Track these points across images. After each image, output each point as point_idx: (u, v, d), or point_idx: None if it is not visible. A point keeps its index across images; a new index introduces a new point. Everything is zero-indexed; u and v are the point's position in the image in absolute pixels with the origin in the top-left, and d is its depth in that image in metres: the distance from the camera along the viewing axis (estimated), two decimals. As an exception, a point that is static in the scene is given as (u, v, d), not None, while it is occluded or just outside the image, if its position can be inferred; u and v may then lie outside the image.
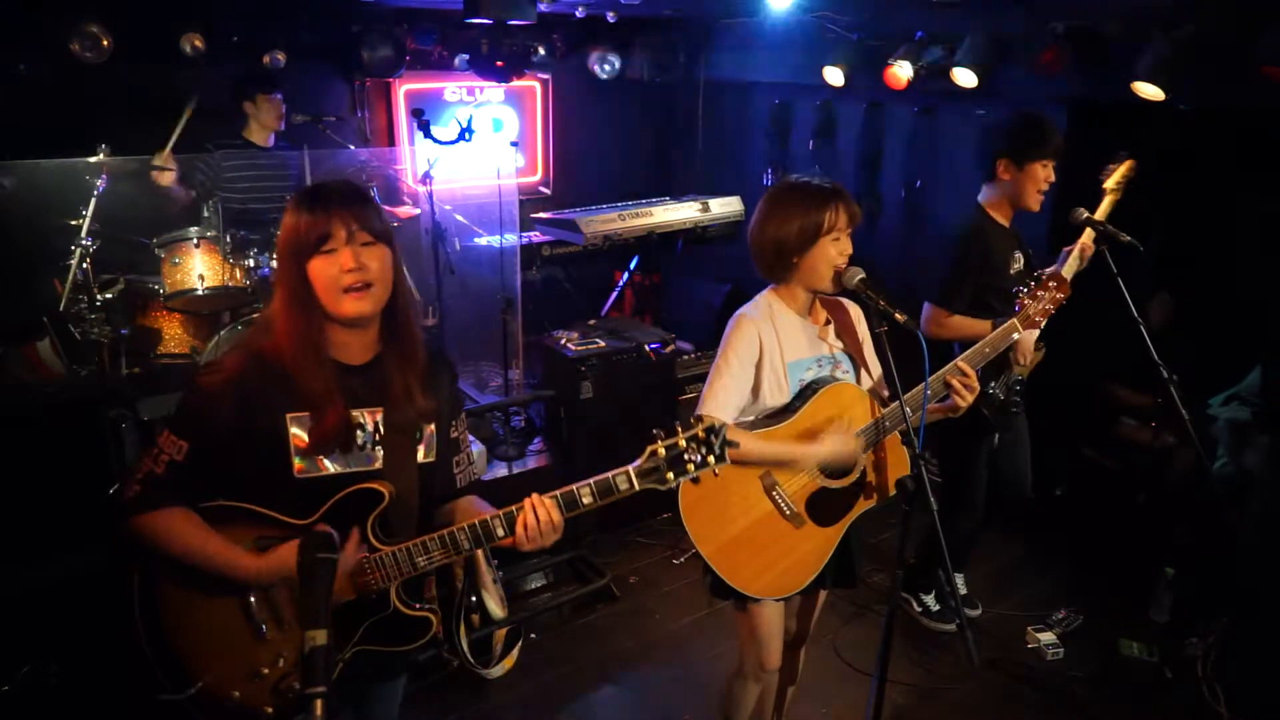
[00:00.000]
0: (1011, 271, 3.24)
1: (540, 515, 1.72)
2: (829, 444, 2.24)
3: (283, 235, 1.71)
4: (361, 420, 1.77)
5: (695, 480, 1.75)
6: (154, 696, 1.74)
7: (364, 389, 1.78)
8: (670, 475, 1.70)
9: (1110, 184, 3.18)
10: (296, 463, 1.72)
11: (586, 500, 1.75)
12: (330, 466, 1.75)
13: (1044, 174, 3.12)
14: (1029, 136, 3.10)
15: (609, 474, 1.74)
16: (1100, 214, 3.10)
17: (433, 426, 1.88)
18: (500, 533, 1.75)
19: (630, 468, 1.73)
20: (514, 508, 1.75)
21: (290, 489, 1.72)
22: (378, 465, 1.79)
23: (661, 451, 1.71)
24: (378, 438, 1.79)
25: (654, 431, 1.73)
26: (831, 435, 2.25)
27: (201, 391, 1.71)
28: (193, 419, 1.71)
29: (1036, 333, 3.02)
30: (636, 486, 1.72)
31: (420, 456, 1.85)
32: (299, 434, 1.72)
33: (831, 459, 2.27)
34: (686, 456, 1.70)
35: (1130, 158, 3.22)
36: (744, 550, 2.31)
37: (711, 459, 1.71)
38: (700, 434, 1.70)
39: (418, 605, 1.83)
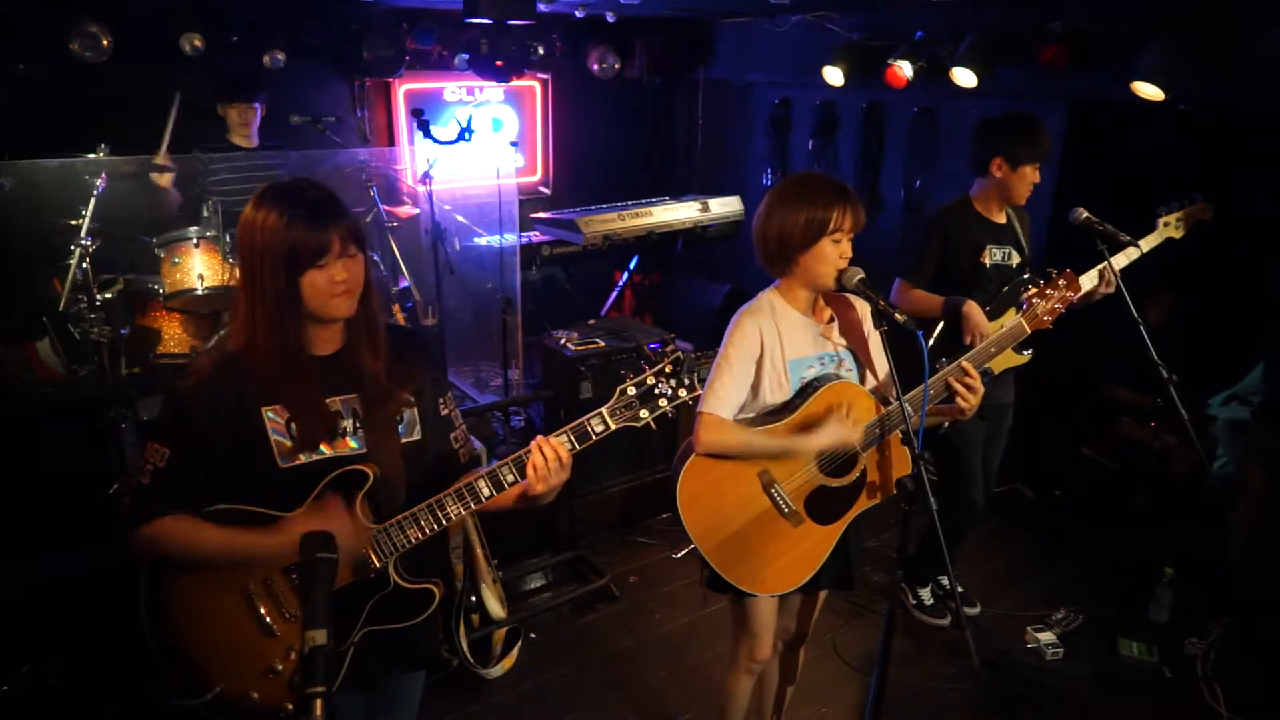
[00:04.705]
0: (987, 262, 3.27)
1: (547, 453, 1.75)
2: (826, 434, 2.23)
3: (268, 245, 1.66)
4: (339, 407, 1.79)
5: (670, 415, 1.80)
6: (171, 702, 1.75)
7: (337, 377, 1.80)
8: (644, 413, 1.78)
9: (1171, 219, 3.17)
10: (279, 455, 1.73)
11: (566, 446, 1.79)
12: (313, 455, 1.77)
13: (1033, 175, 3.20)
14: (1023, 139, 3.16)
15: (583, 418, 1.79)
16: (1146, 243, 3.11)
17: (414, 406, 1.89)
18: (511, 479, 1.78)
19: (603, 409, 1.78)
20: (522, 452, 1.78)
21: (276, 481, 1.73)
22: (362, 450, 1.81)
23: (631, 390, 1.78)
24: (358, 422, 1.81)
25: (622, 373, 1.76)
26: (828, 424, 2.24)
27: (177, 396, 1.73)
28: (171, 425, 1.74)
29: (990, 318, 3.08)
30: (612, 426, 1.79)
31: (404, 436, 1.87)
32: (278, 427, 1.73)
33: (829, 448, 2.26)
34: (657, 391, 1.78)
35: (1206, 203, 3.19)
36: (742, 547, 2.31)
37: (683, 391, 1.78)
38: (668, 368, 1.78)
39: (418, 579, 1.84)
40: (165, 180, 4.34)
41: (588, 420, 1.78)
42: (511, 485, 1.78)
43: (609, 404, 1.78)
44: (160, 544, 1.71)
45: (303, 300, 1.70)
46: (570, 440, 1.78)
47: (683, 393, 1.78)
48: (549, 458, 1.75)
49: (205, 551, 1.71)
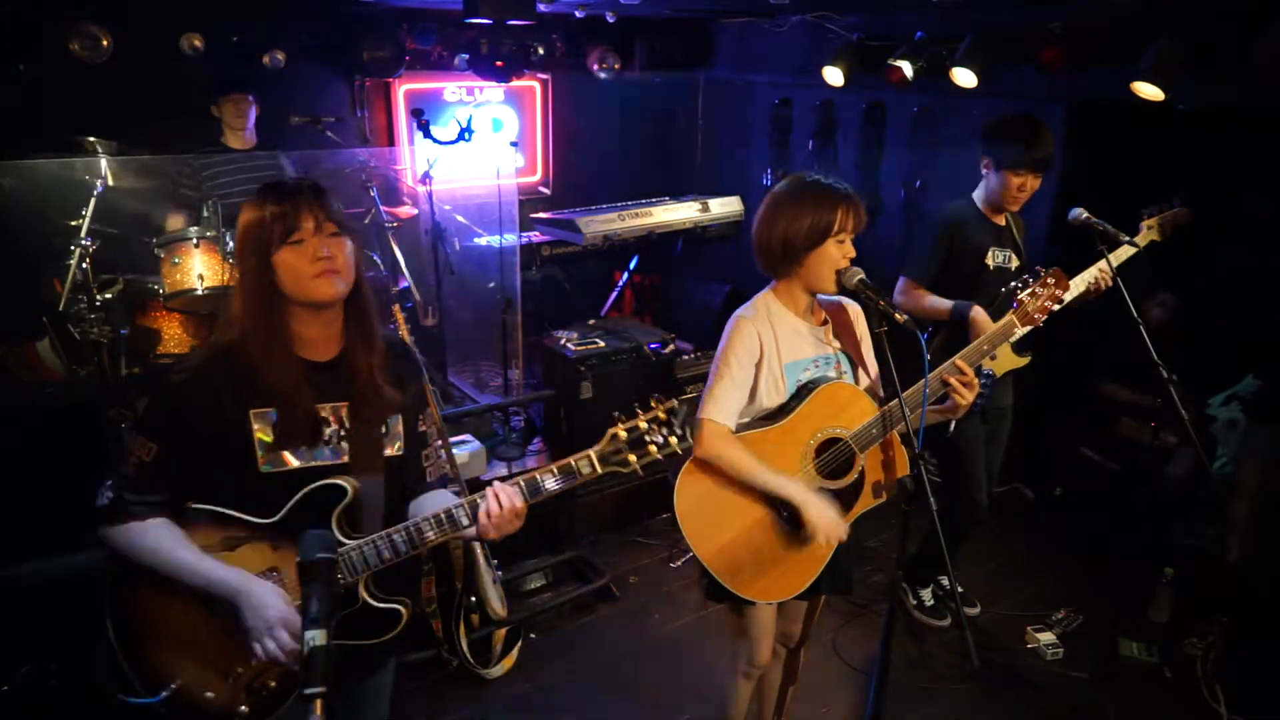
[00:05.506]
0: (991, 264, 3.28)
1: (503, 502, 1.73)
2: (823, 514, 2.21)
3: (244, 231, 1.70)
4: (327, 415, 1.77)
5: (658, 462, 1.76)
6: (123, 700, 1.72)
7: (331, 384, 1.78)
8: (632, 457, 1.73)
9: (1152, 223, 3.21)
10: (261, 458, 1.71)
11: (550, 485, 1.76)
12: (295, 462, 1.74)
13: (1017, 182, 3.16)
14: (1011, 144, 3.15)
15: (571, 458, 1.75)
16: (1140, 240, 3.14)
17: (400, 421, 1.88)
18: (465, 522, 1.75)
19: (592, 451, 1.74)
20: (477, 496, 1.75)
21: (255, 486, 1.71)
22: (345, 460, 1.78)
23: (622, 434, 1.74)
24: (344, 432, 1.78)
25: (614, 415, 1.75)
26: (824, 503, 2.23)
27: (168, 390, 1.71)
28: (160, 419, 1.72)
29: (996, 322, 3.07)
30: (599, 470, 1.74)
31: (388, 450, 1.85)
32: (263, 429, 1.71)
33: (817, 523, 2.20)
34: (648, 438, 1.73)
35: (1185, 208, 3.22)
36: (741, 553, 2.29)
37: (674, 440, 1.73)
38: (661, 415, 1.73)
39: (387, 598, 1.81)
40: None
41: (575, 460, 1.74)
42: (465, 529, 1.76)
43: (598, 446, 1.74)
44: (130, 544, 1.70)
45: (282, 284, 1.68)
46: (557, 478, 1.74)
47: (674, 441, 1.73)
48: (505, 507, 1.73)
49: (165, 569, 1.69)
